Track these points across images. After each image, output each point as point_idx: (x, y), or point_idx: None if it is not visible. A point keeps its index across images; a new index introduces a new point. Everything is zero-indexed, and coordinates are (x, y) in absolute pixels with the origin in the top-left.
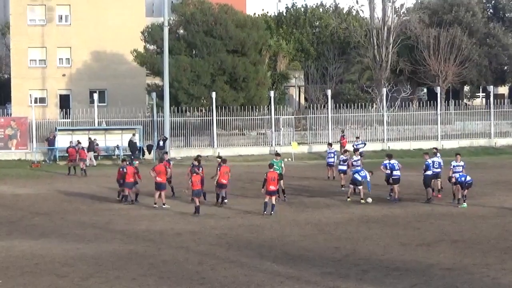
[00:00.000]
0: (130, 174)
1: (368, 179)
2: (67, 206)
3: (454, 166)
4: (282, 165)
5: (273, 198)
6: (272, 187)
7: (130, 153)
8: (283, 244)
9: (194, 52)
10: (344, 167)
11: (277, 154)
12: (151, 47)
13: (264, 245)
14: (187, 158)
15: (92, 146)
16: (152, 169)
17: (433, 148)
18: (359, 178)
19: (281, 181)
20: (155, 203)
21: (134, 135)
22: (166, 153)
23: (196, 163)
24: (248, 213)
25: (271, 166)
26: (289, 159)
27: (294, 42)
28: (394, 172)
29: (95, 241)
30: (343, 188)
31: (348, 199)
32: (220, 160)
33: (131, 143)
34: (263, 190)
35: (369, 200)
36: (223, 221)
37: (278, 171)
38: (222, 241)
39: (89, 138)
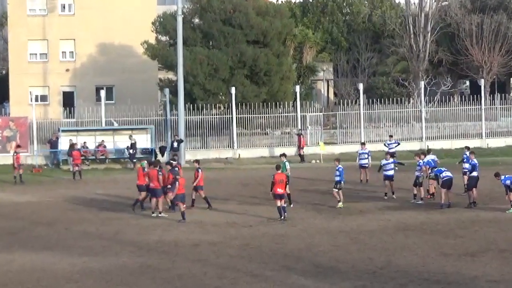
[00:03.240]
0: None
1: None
2: (72, 215)
3: None
4: (288, 166)
5: (282, 201)
6: (280, 190)
7: (128, 157)
8: (312, 255)
9: (211, 43)
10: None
11: (283, 155)
12: (163, 38)
13: (291, 256)
14: (205, 160)
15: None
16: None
17: (465, 147)
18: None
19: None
20: (153, 212)
21: (131, 136)
22: (176, 155)
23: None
24: (272, 221)
25: (278, 167)
26: (317, 160)
27: (323, 31)
28: (446, 173)
29: (103, 254)
30: (385, 197)
31: (340, 203)
32: (197, 163)
33: (132, 145)
34: (271, 194)
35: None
36: (244, 230)
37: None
38: (243, 253)
39: (70, 140)
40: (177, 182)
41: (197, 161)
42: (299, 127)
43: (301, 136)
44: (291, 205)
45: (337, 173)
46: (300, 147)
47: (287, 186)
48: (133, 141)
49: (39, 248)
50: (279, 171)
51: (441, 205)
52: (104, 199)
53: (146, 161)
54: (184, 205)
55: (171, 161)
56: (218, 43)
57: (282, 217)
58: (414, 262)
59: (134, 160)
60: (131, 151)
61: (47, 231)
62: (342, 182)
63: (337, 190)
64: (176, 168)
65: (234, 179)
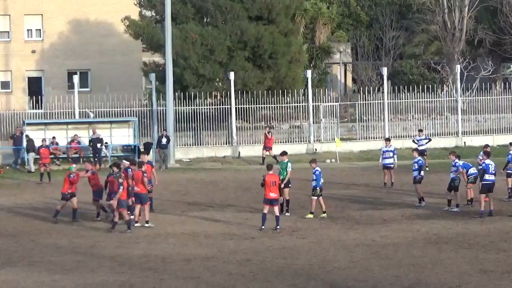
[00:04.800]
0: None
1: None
2: (39, 224)
3: None
4: (289, 168)
5: (275, 208)
6: (273, 194)
7: (92, 155)
8: (326, 273)
9: (205, 19)
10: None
11: (283, 154)
12: (149, 13)
13: (301, 274)
14: (199, 159)
15: (31, 145)
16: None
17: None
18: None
19: (286, 189)
20: (136, 221)
21: (94, 130)
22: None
23: (115, 169)
24: (278, 232)
25: (269, 167)
26: (333, 160)
27: (338, 4)
28: (487, 176)
29: (77, 271)
30: (417, 204)
31: (311, 214)
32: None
33: (94, 140)
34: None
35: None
36: (245, 242)
37: (282, 176)
38: (244, 269)
39: (27, 136)
40: (121, 187)
41: (128, 160)
42: (311, 119)
43: (271, 134)
44: (288, 214)
45: (314, 177)
46: (266, 147)
47: (286, 190)
48: (99, 136)
49: None
50: (271, 172)
51: (480, 213)
52: (78, 205)
53: (74, 165)
54: (129, 212)
55: (122, 161)
56: (214, 19)
57: (264, 226)
58: (448, 281)
59: (103, 158)
60: (98, 145)
61: (9, 243)
62: (318, 187)
63: (316, 197)
64: (121, 174)
65: (233, 182)
